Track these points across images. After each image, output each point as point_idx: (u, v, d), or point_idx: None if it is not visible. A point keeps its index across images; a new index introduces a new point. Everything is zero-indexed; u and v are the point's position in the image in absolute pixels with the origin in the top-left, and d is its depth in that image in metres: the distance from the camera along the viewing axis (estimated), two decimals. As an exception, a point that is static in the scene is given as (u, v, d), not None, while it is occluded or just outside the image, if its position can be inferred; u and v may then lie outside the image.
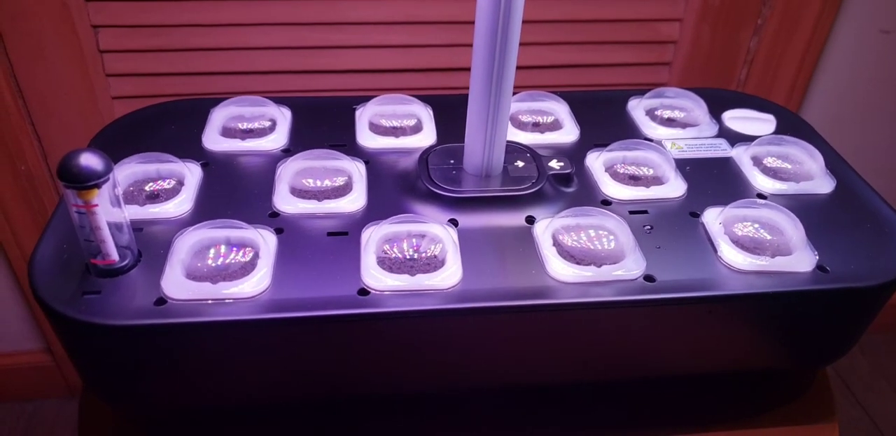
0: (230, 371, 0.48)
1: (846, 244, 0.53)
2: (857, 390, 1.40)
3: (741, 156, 0.60)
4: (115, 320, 0.44)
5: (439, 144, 0.58)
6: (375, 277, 0.47)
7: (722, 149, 0.62)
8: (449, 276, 0.48)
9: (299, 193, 0.54)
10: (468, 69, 0.51)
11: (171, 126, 0.61)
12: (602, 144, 0.60)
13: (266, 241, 0.49)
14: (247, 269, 0.47)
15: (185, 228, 0.49)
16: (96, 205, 0.44)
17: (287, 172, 0.55)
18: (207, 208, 0.53)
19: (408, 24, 0.92)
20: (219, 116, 0.62)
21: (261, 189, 0.54)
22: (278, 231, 0.51)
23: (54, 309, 0.44)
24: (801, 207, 0.56)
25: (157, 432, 0.58)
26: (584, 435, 0.59)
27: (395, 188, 0.55)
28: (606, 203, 0.55)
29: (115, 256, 0.46)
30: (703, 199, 0.56)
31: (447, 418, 0.58)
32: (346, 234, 0.51)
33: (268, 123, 0.61)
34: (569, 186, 0.56)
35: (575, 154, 0.60)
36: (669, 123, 0.64)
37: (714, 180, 0.58)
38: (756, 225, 0.54)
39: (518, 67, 1.01)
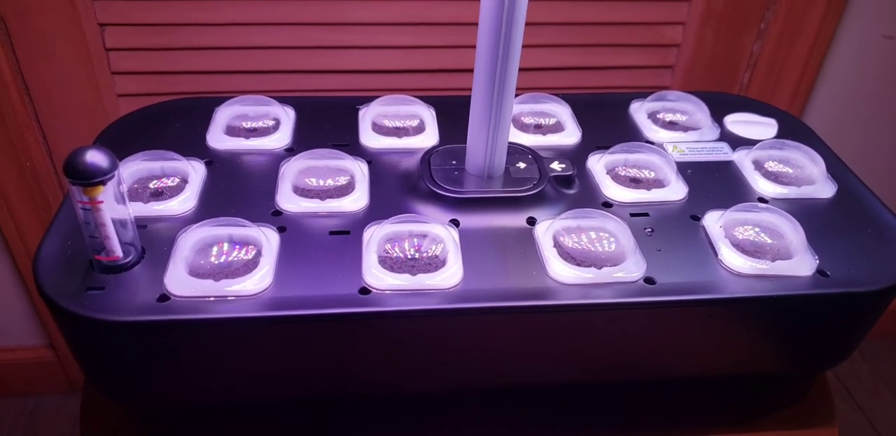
0: (231, 368, 0.48)
1: (847, 249, 0.53)
2: (858, 395, 1.40)
3: (742, 160, 0.61)
4: (119, 316, 0.44)
5: (442, 145, 0.59)
6: (377, 277, 0.47)
7: (723, 152, 0.62)
8: (450, 276, 0.48)
9: (302, 191, 0.54)
10: (471, 70, 0.51)
11: (175, 124, 0.61)
12: (604, 146, 0.60)
13: (269, 239, 0.49)
14: (249, 266, 0.48)
15: (189, 226, 0.50)
16: (101, 201, 0.44)
17: (290, 171, 0.55)
18: (211, 206, 0.53)
19: (412, 25, 0.93)
20: (223, 115, 0.62)
21: (264, 188, 0.55)
22: (281, 229, 0.51)
23: (58, 304, 0.45)
24: (802, 211, 0.56)
25: (158, 429, 0.58)
26: (582, 436, 0.59)
27: (397, 188, 0.55)
28: (607, 205, 0.55)
29: (119, 252, 0.47)
30: (704, 202, 0.56)
31: (446, 417, 0.58)
32: (348, 233, 0.51)
33: (271, 123, 0.61)
34: (570, 188, 0.56)
35: (576, 156, 0.60)
36: (671, 126, 0.64)
37: (715, 184, 0.58)
38: (757, 229, 0.54)
39: (521, 69, 1.02)
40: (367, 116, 0.63)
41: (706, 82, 1.06)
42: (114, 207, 0.46)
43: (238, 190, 0.55)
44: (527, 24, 0.96)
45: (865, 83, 1.11)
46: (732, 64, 1.06)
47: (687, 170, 0.59)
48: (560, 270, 0.49)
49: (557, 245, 0.51)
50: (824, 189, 0.58)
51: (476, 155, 0.54)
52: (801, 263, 0.51)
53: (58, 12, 0.84)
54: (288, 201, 0.53)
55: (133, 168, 0.54)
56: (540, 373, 0.53)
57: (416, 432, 0.58)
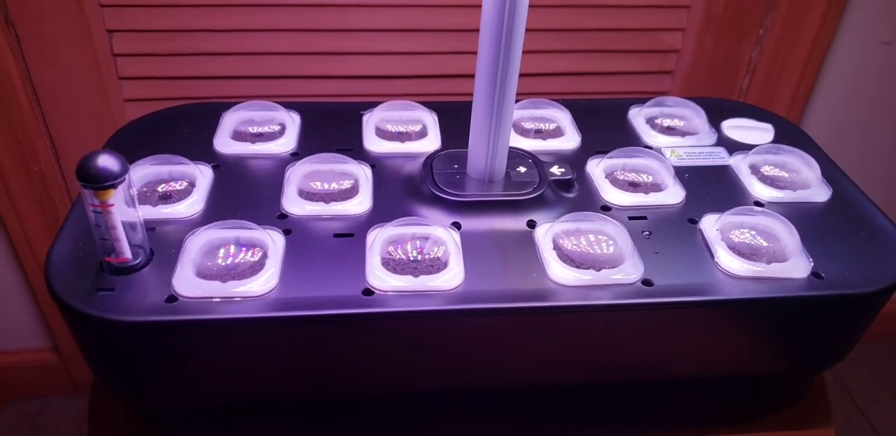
0: (237, 368, 0.49)
1: (841, 252, 0.54)
2: (859, 398, 1.40)
3: (739, 164, 0.62)
4: (128, 317, 0.45)
5: (444, 150, 0.60)
6: (380, 278, 0.48)
7: (720, 157, 0.63)
8: (452, 277, 0.49)
9: (307, 195, 0.55)
10: (473, 76, 0.52)
11: (183, 129, 0.62)
12: (603, 151, 0.61)
13: (274, 241, 0.51)
14: (255, 268, 0.49)
15: (196, 228, 0.51)
16: (112, 204, 0.46)
17: (295, 175, 0.57)
18: (218, 209, 0.54)
19: (414, 32, 0.94)
20: (230, 120, 0.63)
21: (270, 191, 0.56)
22: (286, 232, 0.52)
23: (69, 305, 0.46)
24: (798, 214, 0.57)
25: (165, 429, 0.59)
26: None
27: (400, 192, 0.57)
28: (606, 209, 0.57)
29: (128, 254, 0.48)
30: (701, 205, 0.57)
31: (448, 417, 0.60)
32: (352, 235, 0.52)
33: (277, 128, 0.63)
34: (569, 192, 0.58)
35: (576, 161, 0.61)
36: (669, 131, 0.65)
37: (712, 188, 0.60)
38: (753, 232, 0.55)
39: (523, 75, 1.03)
40: (370, 121, 0.64)
41: (706, 88, 1.07)
42: (124, 210, 0.47)
43: (244, 193, 0.56)
44: (528, 30, 0.98)
45: (864, 88, 1.12)
46: (732, 69, 1.07)
47: (684, 174, 0.60)
48: (559, 272, 0.50)
49: (557, 248, 0.52)
50: (819, 193, 0.60)
51: (477, 159, 0.55)
52: (796, 266, 0.52)
53: (67, 18, 0.86)
54: (293, 204, 0.54)
55: (142, 172, 0.56)
56: (540, 373, 0.54)
57: (418, 431, 0.59)
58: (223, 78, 0.94)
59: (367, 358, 0.50)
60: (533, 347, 0.51)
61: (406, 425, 0.59)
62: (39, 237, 1.05)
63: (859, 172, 1.19)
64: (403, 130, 0.63)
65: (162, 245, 0.51)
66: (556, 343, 0.51)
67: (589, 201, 0.57)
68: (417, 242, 0.52)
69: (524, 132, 0.64)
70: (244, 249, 0.50)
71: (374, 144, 0.61)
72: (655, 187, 0.59)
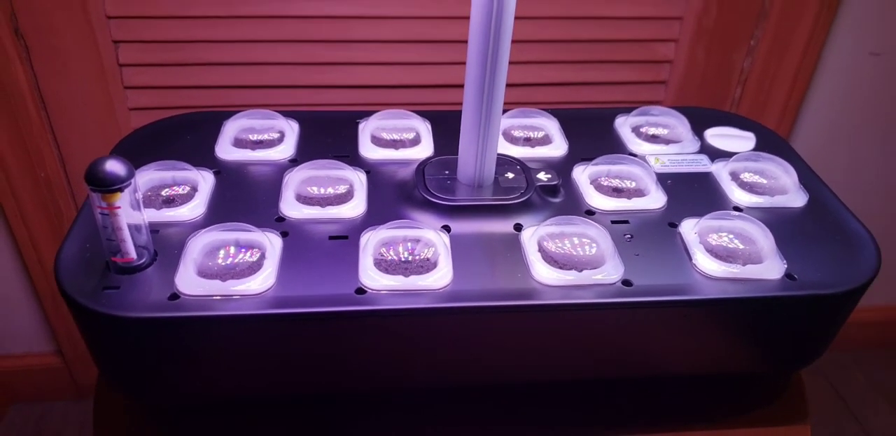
0: (236, 363, 0.52)
1: (815, 255, 0.57)
2: (854, 404, 1.43)
3: (720, 171, 0.65)
4: (132, 313, 0.48)
5: (436, 156, 0.63)
6: (372, 278, 0.52)
7: (702, 164, 0.66)
8: (440, 277, 0.52)
9: (304, 199, 0.59)
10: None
11: (186, 137, 0.66)
12: (588, 158, 0.64)
13: (272, 243, 0.54)
14: (254, 268, 0.52)
15: (198, 231, 0.54)
16: (118, 207, 0.49)
17: (293, 181, 0.60)
18: (219, 213, 0.57)
19: (414, 43, 0.97)
20: (231, 128, 0.66)
21: (268, 196, 0.59)
22: (284, 234, 0.55)
23: (77, 302, 0.49)
24: (775, 219, 0.60)
25: (168, 425, 0.62)
26: (564, 432, 0.62)
27: (393, 196, 0.60)
28: (590, 213, 0.60)
29: (133, 254, 0.51)
30: (681, 210, 0.60)
31: (437, 412, 0.62)
32: (346, 238, 0.55)
33: (276, 135, 0.66)
34: (555, 197, 0.61)
35: (562, 167, 0.64)
36: (653, 139, 0.68)
37: (693, 193, 0.63)
38: (730, 235, 0.58)
39: (520, 85, 1.07)
40: (366, 129, 0.67)
41: (699, 98, 1.10)
42: (129, 213, 0.50)
43: (244, 198, 0.59)
44: (525, 41, 1.01)
45: (854, 98, 1.15)
46: (724, 80, 1.10)
47: (667, 180, 0.64)
48: (543, 273, 0.53)
49: (541, 250, 0.55)
50: (796, 199, 0.62)
51: (467, 165, 0.58)
52: (771, 268, 0.55)
53: (75, 30, 0.89)
54: (291, 208, 0.57)
55: (147, 177, 0.59)
56: (524, 370, 0.57)
57: (408, 426, 0.62)
58: (226, 87, 0.97)
59: (359, 354, 0.53)
60: (517, 344, 0.54)
61: (396, 420, 0.62)
62: (45, 242, 1.08)
63: (849, 180, 1.22)
64: (397, 138, 0.66)
65: (165, 246, 0.54)
66: (539, 341, 0.54)
67: (574, 206, 0.60)
68: (409, 244, 0.55)
69: (513, 140, 0.67)
70: (243, 250, 0.54)
71: (369, 151, 0.65)
72: (638, 193, 0.62)
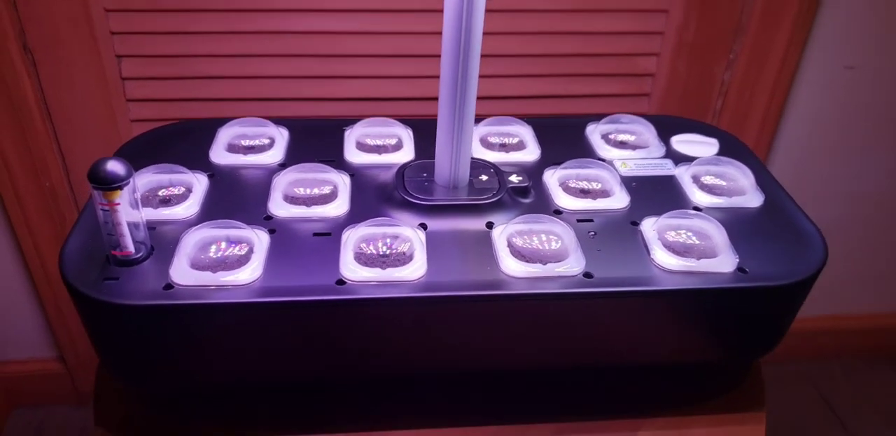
0: (225, 349, 0.58)
1: (767, 250, 0.62)
2: (842, 413, 1.46)
3: (682, 174, 0.70)
4: (130, 301, 0.54)
5: (416, 160, 0.69)
6: (352, 270, 0.57)
7: (666, 168, 0.71)
8: (415, 270, 0.57)
9: (291, 199, 0.64)
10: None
11: (183, 142, 0.71)
12: (559, 162, 0.69)
13: (260, 238, 0.59)
14: (242, 261, 0.57)
15: (192, 227, 0.59)
16: (118, 203, 0.54)
17: (281, 182, 0.65)
18: (211, 212, 0.63)
19: (402, 57, 1.03)
20: (225, 135, 0.72)
21: (258, 197, 0.65)
22: (271, 231, 0.61)
23: (80, 291, 0.54)
24: (732, 218, 0.65)
25: (163, 412, 0.67)
26: (528, 418, 0.67)
27: (375, 197, 0.65)
28: (558, 212, 0.65)
29: (131, 248, 0.56)
30: (643, 210, 0.65)
31: (410, 397, 0.68)
32: (330, 234, 0.61)
33: (267, 141, 0.72)
34: (526, 198, 0.66)
35: (534, 171, 0.69)
36: (621, 145, 0.74)
37: (656, 194, 0.68)
38: (688, 232, 0.63)
39: (508, 97, 1.12)
40: (352, 135, 0.73)
41: (681, 109, 1.16)
42: (128, 211, 0.56)
43: (235, 199, 0.65)
44: (512, 55, 1.07)
45: (832, 109, 1.21)
46: (705, 92, 1.16)
47: (632, 183, 0.69)
48: (511, 266, 0.58)
49: (510, 245, 0.60)
50: (753, 199, 0.68)
51: (443, 168, 0.64)
52: (724, 262, 0.60)
53: (80, 44, 0.95)
54: (278, 208, 0.63)
55: (145, 179, 0.65)
56: (492, 358, 0.62)
57: (383, 408, 0.67)
58: (224, 100, 1.03)
59: (339, 341, 0.58)
60: (486, 332, 0.59)
61: (373, 404, 0.67)
62: (48, 250, 1.13)
63: (827, 187, 1.27)
64: (381, 144, 0.72)
65: (161, 242, 0.59)
66: (506, 330, 0.59)
67: (543, 206, 0.66)
68: (387, 240, 0.60)
69: (490, 146, 0.73)
70: (233, 244, 0.59)
71: (353, 155, 0.70)
72: (603, 194, 0.67)
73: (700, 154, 0.73)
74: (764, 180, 0.70)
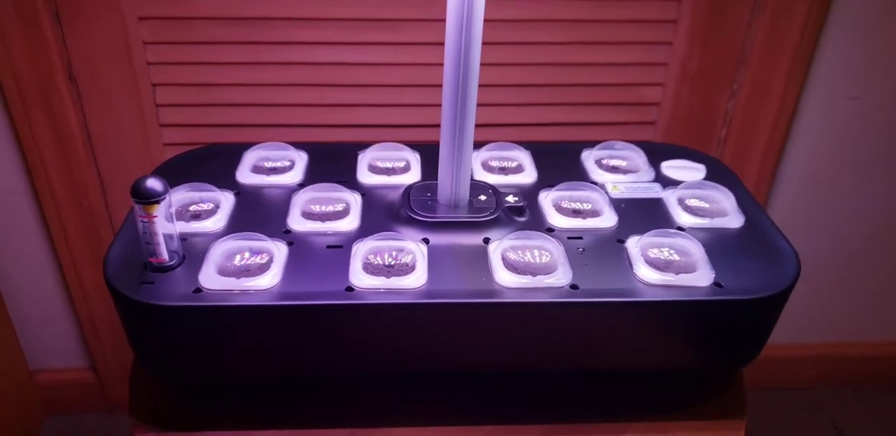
0: (246, 346, 0.66)
1: (744, 267, 0.69)
2: (853, 439, 1.50)
3: (669, 197, 0.77)
4: (164, 302, 0.62)
5: (422, 182, 0.77)
6: (360, 278, 0.65)
7: (655, 191, 0.78)
8: (417, 278, 0.65)
9: (308, 215, 0.72)
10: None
11: (212, 164, 0.80)
12: (553, 184, 0.77)
13: (279, 249, 0.67)
14: (263, 269, 0.65)
15: (219, 239, 0.68)
16: (155, 216, 0.63)
17: (300, 200, 0.74)
18: (237, 226, 0.71)
19: (416, 87, 1.12)
20: (250, 157, 0.81)
21: (279, 213, 0.73)
22: (290, 243, 0.69)
23: (120, 293, 0.63)
24: (714, 238, 0.72)
25: (189, 401, 0.75)
26: (516, 419, 0.74)
27: (383, 214, 0.73)
28: (550, 230, 0.72)
29: (166, 256, 0.65)
30: (630, 229, 0.73)
31: (406, 394, 0.75)
32: (341, 247, 0.69)
33: (288, 163, 0.80)
34: (522, 217, 0.74)
35: (531, 192, 0.77)
36: (613, 169, 0.81)
37: (643, 215, 0.75)
38: (670, 250, 0.70)
39: (517, 125, 1.20)
40: (364, 159, 0.81)
41: (686, 137, 1.23)
42: (164, 224, 0.64)
43: (258, 214, 0.73)
44: (522, 85, 1.16)
45: (834, 138, 1.27)
46: (709, 121, 1.23)
47: (621, 204, 0.76)
48: (504, 277, 0.66)
49: (504, 258, 0.68)
50: (734, 221, 0.74)
51: (444, 189, 0.72)
52: (701, 277, 0.67)
53: (120, 74, 1.05)
54: (296, 222, 0.71)
55: (179, 196, 0.73)
56: (486, 361, 0.69)
57: (384, 407, 0.74)
58: (249, 126, 1.13)
59: (347, 341, 0.66)
60: (480, 337, 0.66)
61: (373, 401, 0.74)
62: (85, 265, 1.23)
63: (831, 214, 1.33)
64: (391, 166, 0.80)
65: (192, 251, 0.68)
66: (498, 335, 0.66)
67: (537, 224, 0.73)
68: (393, 252, 0.68)
69: (490, 169, 0.81)
70: (255, 254, 0.67)
71: (365, 177, 0.78)
72: (594, 214, 0.74)
73: (687, 179, 0.80)
74: (746, 204, 0.77)
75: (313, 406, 0.74)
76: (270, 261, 0.66)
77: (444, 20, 0.63)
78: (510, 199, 0.74)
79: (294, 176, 0.79)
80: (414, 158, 0.82)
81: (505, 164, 0.82)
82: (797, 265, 0.70)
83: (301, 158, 0.81)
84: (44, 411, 1.43)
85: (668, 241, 0.71)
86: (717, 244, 0.71)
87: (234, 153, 0.82)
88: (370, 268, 0.66)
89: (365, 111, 1.13)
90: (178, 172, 0.79)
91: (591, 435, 0.72)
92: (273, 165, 0.80)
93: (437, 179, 0.73)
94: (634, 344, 0.69)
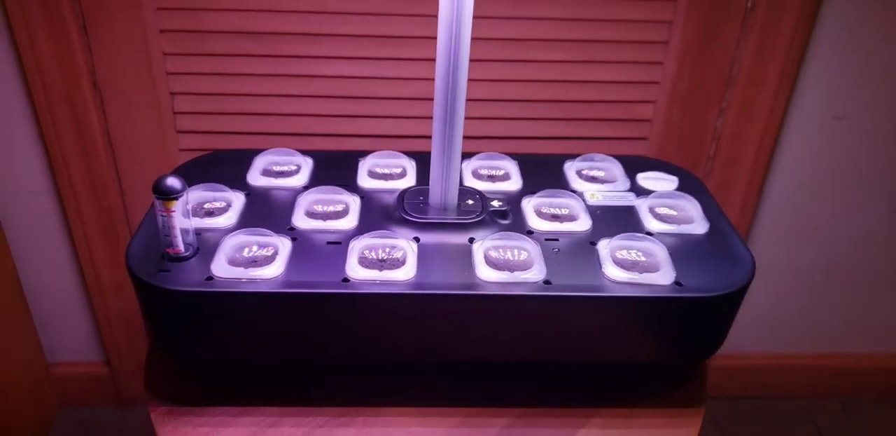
0: (253, 330, 0.75)
1: (704, 269, 0.78)
2: (842, 450, 1.57)
3: (641, 205, 0.86)
4: (179, 287, 0.71)
5: (416, 187, 0.86)
6: (355, 271, 0.74)
7: (629, 199, 0.88)
8: (407, 272, 0.74)
9: (311, 214, 0.82)
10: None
11: (225, 167, 0.90)
12: (536, 191, 0.86)
13: (284, 244, 0.77)
14: (269, 260, 0.75)
15: (230, 234, 0.77)
16: (174, 211, 0.72)
17: (304, 201, 0.83)
18: (246, 223, 0.81)
19: (408, 100, 1.22)
20: (260, 162, 0.91)
21: (285, 212, 0.82)
22: (293, 239, 0.78)
23: (140, 279, 0.72)
24: (679, 242, 0.81)
25: (200, 381, 0.84)
26: (494, 402, 0.83)
27: (379, 215, 0.82)
28: (530, 233, 0.82)
29: (182, 248, 0.74)
30: (602, 233, 0.81)
31: (394, 378, 0.84)
32: (340, 243, 0.78)
33: (294, 168, 0.90)
34: (505, 220, 0.83)
35: (515, 198, 0.86)
36: (592, 179, 0.91)
37: (616, 221, 0.84)
38: (637, 252, 0.79)
39: (515, 138, 1.29)
40: (364, 165, 0.91)
41: (676, 153, 1.32)
42: (181, 219, 0.74)
43: (266, 213, 0.82)
44: (521, 100, 1.25)
45: (820, 156, 1.36)
46: (699, 137, 1.32)
47: (597, 211, 0.85)
48: (485, 272, 0.75)
49: (486, 256, 0.77)
50: (699, 227, 0.83)
51: (435, 193, 0.81)
52: (663, 276, 0.76)
53: (141, 83, 1.16)
54: (300, 221, 0.80)
55: (195, 195, 0.83)
56: (468, 348, 0.78)
57: (373, 387, 0.83)
58: (260, 134, 1.22)
59: (343, 328, 0.75)
60: (462, 326, 0.75)
61: (365, 383, 0.83)
62: (104, 263, 1.33)
63: (817, 230, 1.41)
64: (388, 172, 0.90)
65: (205, 244, 0.77)
66: (479, 324, 0.75)
67: (519, 226, 0.82)
68: (386, 249, 0.77)
69: (479, 177, 0.90)
70: (262, 248, 0.77)
71: (365, 181, 0.88)
72: (570, 218, 0.84)
73: (659, 189, 0.89)
74: (711, 212, 0.86)
75: (311, 387, 0.83)
76: (276, 254, 0.76)
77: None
78: (495, 203, 0.84)
79: (300, 179, 0.88)
80: (410, 165, 0.91)
81: (493, 172, 0.91)
82: (752, 268, 0.79)
83: (307, 164, 0.91)
84: (58, 403, 1.52)
85: (635, 244, 0.80)
86: (682, 248, 0.80)
87: (245, 158, 0.91)
88: (365, 262, 0.76)
89: (367, 122, 1.23)
90: (195, 173, 0.88)
91: (562, 418, 0.81)
92: (281, 169, 0.90)
93: (429, 185, 0.82)
94: (602, 336, 0.77)
